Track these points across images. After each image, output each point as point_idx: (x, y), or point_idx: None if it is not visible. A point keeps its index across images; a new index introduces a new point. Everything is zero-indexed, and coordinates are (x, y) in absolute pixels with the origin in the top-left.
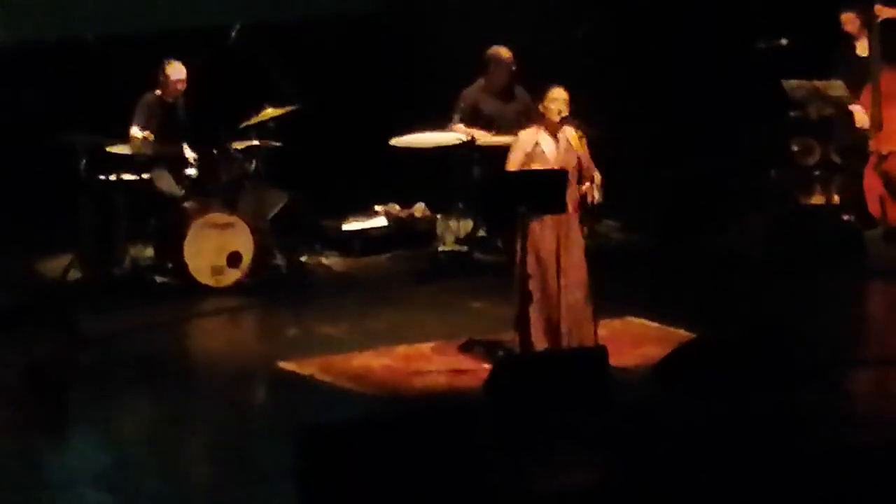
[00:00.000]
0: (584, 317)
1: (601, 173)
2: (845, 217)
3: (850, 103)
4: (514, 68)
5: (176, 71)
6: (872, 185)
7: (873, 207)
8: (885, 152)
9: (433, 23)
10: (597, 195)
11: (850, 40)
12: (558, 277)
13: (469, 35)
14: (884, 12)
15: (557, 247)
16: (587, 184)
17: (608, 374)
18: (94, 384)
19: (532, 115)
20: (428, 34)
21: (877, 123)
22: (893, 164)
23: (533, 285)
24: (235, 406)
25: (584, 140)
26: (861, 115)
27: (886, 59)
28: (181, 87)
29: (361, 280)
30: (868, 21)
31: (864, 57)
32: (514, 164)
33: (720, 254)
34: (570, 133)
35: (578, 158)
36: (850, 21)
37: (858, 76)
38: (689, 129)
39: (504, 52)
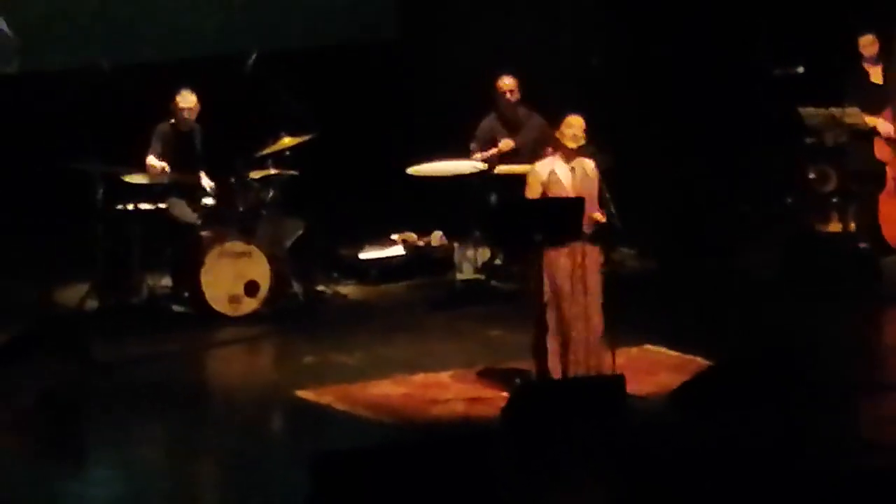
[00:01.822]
0: (600, 345)
1: (616, 200)
2: (861, 244)
3: (867, 130)
4: (512, 96)
5: (185, 100)
6: (889, 211)
7: (889, 234)
8: None
9: (450, 51)
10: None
11: (864, 67)
12: (575, 306)
13: (485, 63)
14: None
15: (574, 275)
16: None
17: (625, 402)
18: (110, 412)
19: (549, 143)
20: (445, 62)
21: None
22: None
23: (549, 314)
24: (252, 435)
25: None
26: (885, 126)
27: None
28: (190, 116)
29: (378, 308)
30: (888, 46)
31: (879, 84)
32: (532, 195)
33: (735, 279)
34: (586, 163)
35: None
36: (869, 44)
37: (874, 103)
38: (706, 155)
39: (502, 81)
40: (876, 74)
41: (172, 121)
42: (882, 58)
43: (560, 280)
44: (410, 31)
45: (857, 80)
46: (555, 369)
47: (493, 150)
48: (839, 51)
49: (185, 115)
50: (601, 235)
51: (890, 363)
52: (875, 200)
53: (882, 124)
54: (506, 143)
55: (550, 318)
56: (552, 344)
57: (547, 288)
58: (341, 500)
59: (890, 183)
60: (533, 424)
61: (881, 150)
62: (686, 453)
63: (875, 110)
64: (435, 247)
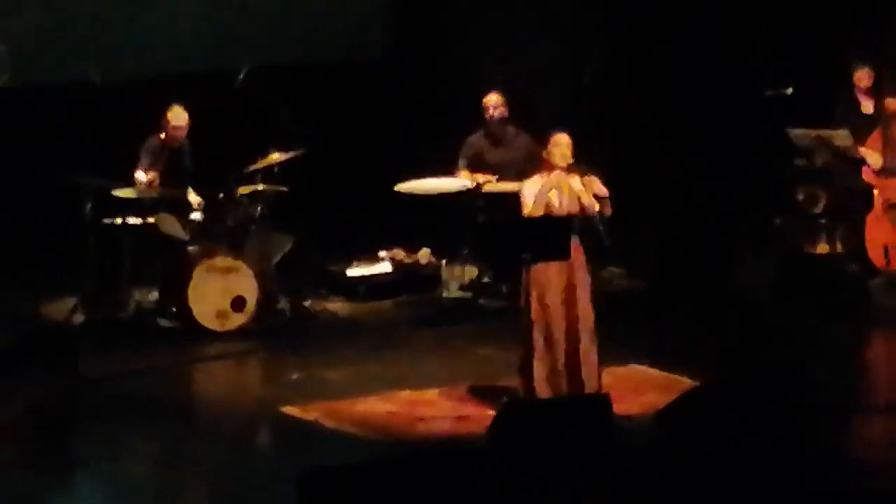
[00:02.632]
0: (588, 364)
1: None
2: (849, 266)
3: (855, 153)
4: (498, 113)
5: (176, 116)
6: (876, 233)
7: (876, 256)
8: (894, 200)
9: (438, 69)
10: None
11: (856, 95)
12: (563, 324)
13: (474, 79)
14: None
15: (562, 293)
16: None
17: (612, 421)
18: (97, 426)
19: (536, 161)
20: (433, 80)
21: (890, 175)
22: None
23: (536, 332)
24: (238, 450)
25: (593, 182)
26: (873, 157)
27: None
28: (181, 132)
29: (366, 325)
30: (879, 78)
31: (868, 114)
32: (528, 211)
33: (723, 300)
34: (574, 181)
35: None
36: (865, 77)
37: (862, 130)
38: (695, 175)
39: (488, 98)
40: (867, 105)
41: (162, 135)
42: (873, 90)
43: (548, 299)
44: (400, 48)
45: (849, 107)
46: (542, 388)
47: (479, 177)
48: (831, 73)
49: (176, 130)
50: (591, 253)
51: (878, 384)
52: (862, 222)
53: (870, 155)
54: (485, 178)
55: (538, 336)
56: (539, 362)
57: (535, 306)
58: None
59: (877, 205)
60: (519, 443)
61: (869, 176)
62: (672, 474)
63: (863, 139)
64: (423, 264)
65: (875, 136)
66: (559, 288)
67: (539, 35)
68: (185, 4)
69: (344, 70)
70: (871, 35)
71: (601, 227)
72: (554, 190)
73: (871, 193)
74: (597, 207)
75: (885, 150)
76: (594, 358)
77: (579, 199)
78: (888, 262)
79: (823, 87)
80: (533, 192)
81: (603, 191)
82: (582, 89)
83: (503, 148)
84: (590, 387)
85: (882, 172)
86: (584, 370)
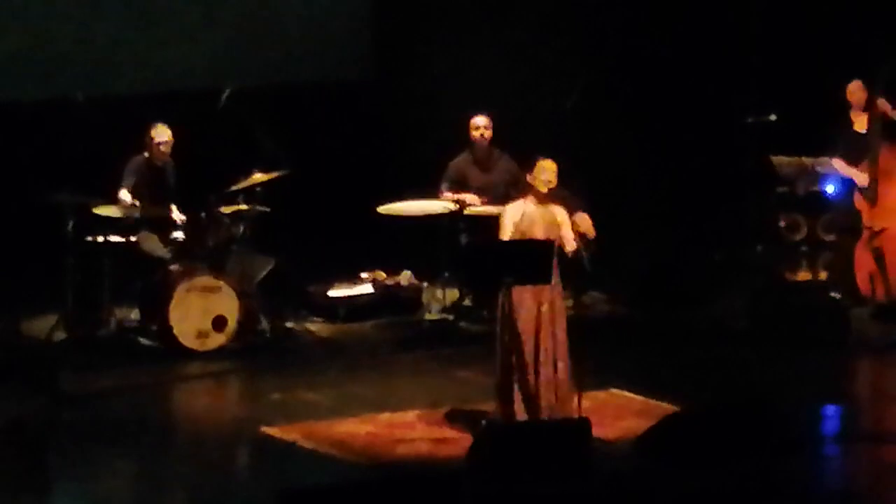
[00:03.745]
0: (566, 388)
1: (587, 245)
2: (832, 294)
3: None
4: (486, 135)
5: (160, 134)
6: (863, 261)
7: (863, 284)
8: (877, 228)
9: (421, 91)
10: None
11: (848, 114)
12: (540, 348)
13: (457, 104)
14: (884, 107)
15: (539, 317)
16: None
17: (591, 445)
18: (76, 444)
19: (519, 185)
20: (415, 102)
21: (872, 199)
22: (885, 240)
23: (515, 356)
24: (217, 470)
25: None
26: (861, 178)
27: (886, 137)
28: (165, 149)
29: (346, 347)
30: (870, 97)
31: (862, 133)
32: (505, 236)
33: (704, 327)
34: (556, 209)
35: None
36: (856, 91)
37: (856, 151)
38: (676, 201)
39: (475, 119)
40: (860, 123)
41: (146, 154)
42: (867, 107)
43: (526, 323)
44: (383, 70)
45: (841, 128)
46: (520, 411)
47: (464, 196)
48: (818, 95)
49: (161, 148)
50: (572, 278)
51: (857, 414)
52: (851, 250)
53: (857, 175)
54: (472, 199)
55: (516, 360)
56: (517, 387)
57: (512, 330)
58: None
59: (865, 233)
60: (497, 466)
61: (859, 201)
62: (650, 499)
63: (856, 160)
64: (404, 286)
65: (863, 165)
66: (537, 313)
67: (522, 58)
68: (168, 24)
69: (327, 91)
70: (862, 47)
71: (584, 254)
72: (537, 213)
73: (860, 221)
74: (571, 247)
75: (871, 183)
76: (572, 382)
77: (559, 228)
78: (874, 292)
79: (810, 112)
80: (513, 219)
81: (591, 231)
82: (564, 115)
83: (487, 171)
84: (568, 411)
85: (866, 194)
86: (562, 394)
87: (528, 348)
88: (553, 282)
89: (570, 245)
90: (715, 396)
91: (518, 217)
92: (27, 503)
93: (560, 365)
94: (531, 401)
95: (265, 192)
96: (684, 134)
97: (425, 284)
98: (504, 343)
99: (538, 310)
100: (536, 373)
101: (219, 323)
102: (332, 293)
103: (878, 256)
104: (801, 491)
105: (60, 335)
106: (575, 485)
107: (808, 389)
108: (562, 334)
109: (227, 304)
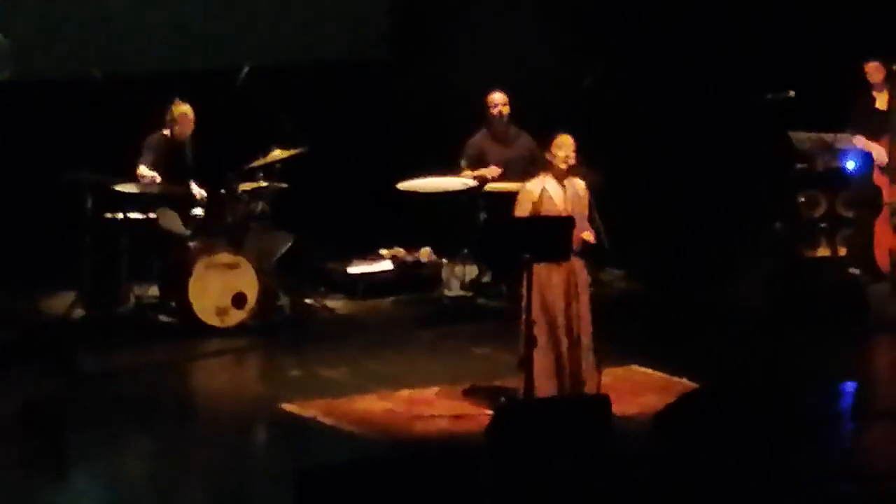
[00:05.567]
0: (587, 364)
1: (605, 222)
2: (851, 270)
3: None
4: (504, 111)
5: (183, 111)
6: (882, 237)
7: (882, 260)
8: None
9: (440, 68)
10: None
11: (869, 92)
12: (563, 323)
13: (476, 81)
14: None
15: (564, 293)
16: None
17: (610, 422)
18: (95, 423)
19: (538, 162)
20: (435, 79)
21: (892, 175)
22: None
23: (538, 330)
24: (236, 447)
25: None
26: (880, 154)
27: None
28: (188, 127)
29: (365, 323)
30: (891, 74)
31: (882, 110)
32: (522, 213)
33: (723, 304)
34: (577, 182)
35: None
36: (875, 70)
37: (876, 128)
38: (695, 179)
39: (493, 96)
40: (881, 100)
41: (166, 131)
42: (888, 84)
43: (550, 298)
44: (402, 47)
45: (863, 105)
46: (541, 387)
47: (483, 171)
48: (838, 72)
49: (183, 125)
50: (590, 255)
51: (874, 390)
52: (870, 226)
53: (877, 151)
54: (492, 171)
55: (539, 334)
56: (540, 361)
57: (536, 305)
58: None
59: (884, 209)
60: (516, 443)
61: (879, 177)
62: (669, 475)
63: (876, 136)
64: (423, 263)
65: (884, 141)
66: (560, 288)
67: (540, 36)
68: (188, 2)
69: (346, 68)
70: (882, 22)
71: (601, 230)
72: (557, 189)
73: (881, 196)
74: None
75: (891, 159)
76: (594, 358)
77: (584, 198)
78: (893, 268)
79: (830, 89)
80: (531, 197)
81: (590, 238)
82: (582, 92)
83: (506, 147)
84: (589, 387)
85: (886, 171)
86: (584, 370)
87: (552, 323)
88: (575, 257)
89: (588, 236)
90: (733, 374)
91: (536, 195)
92: (46, 481)
93: (583, 340)
94: (553, 375)
95: (284, 169)
96: (702, 111)
97: (444, 261)
98: (527, 317)
99: (563, 285)
100: (559, 348)
101: (238, 299)
102: (352, 270)
103: None
104: (820, 469)
105: (79, 313)
106: (594, 461)
107: (827, 366)
108: (585, 309)
109: (247, 280)
